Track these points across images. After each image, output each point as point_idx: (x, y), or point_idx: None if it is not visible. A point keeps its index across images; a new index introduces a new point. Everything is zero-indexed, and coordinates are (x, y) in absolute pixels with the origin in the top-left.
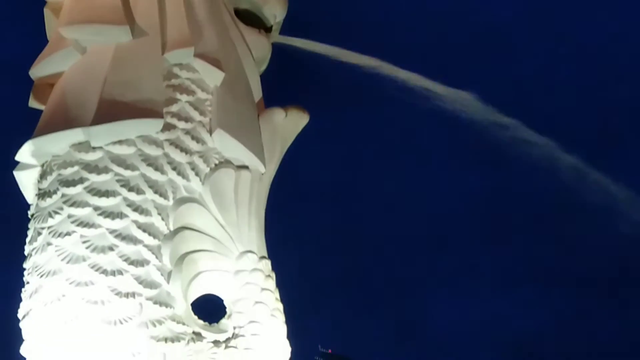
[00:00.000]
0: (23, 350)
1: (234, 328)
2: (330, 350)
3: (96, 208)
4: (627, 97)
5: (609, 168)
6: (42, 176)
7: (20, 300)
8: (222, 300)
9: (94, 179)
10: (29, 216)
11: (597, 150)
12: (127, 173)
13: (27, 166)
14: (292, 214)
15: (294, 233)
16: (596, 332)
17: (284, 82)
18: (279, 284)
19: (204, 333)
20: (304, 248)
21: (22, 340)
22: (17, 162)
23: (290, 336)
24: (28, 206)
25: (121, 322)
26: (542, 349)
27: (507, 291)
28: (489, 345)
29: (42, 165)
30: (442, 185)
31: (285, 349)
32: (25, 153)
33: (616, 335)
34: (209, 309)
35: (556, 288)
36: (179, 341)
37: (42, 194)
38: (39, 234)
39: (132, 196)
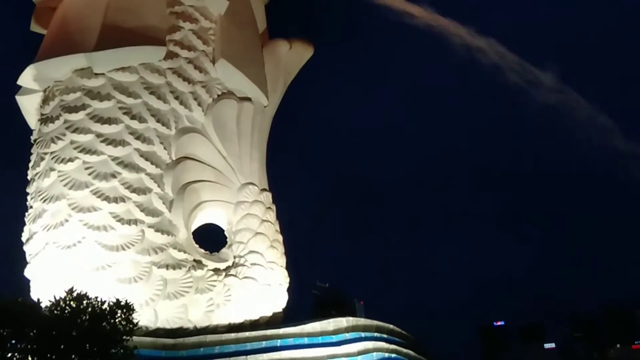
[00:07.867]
0: (27, 272)
1: (235, 257)
2: (327, 285)
3: (98, 135)
4: None
5: None
6: (45, 101)
7: (23, 224)
8: (223, 230)
9: (97, 105)
10: (32, 141)
11: None
12: (130, 101)
13: (29, 91)
14: (295, 150)
15: (295, 170)
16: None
17: (289, 14)
18: (280, 220)
19: (204, 261)
20: (307, 184)
21: (26, 263)
22: (19, 87)
23: (290, 269)
24: (31, 131)
25: (123, 248)
26: (530, 285)
27: (499, 231)
28: (478, 282)
29: (45, 91)
30: (448, 124)
31: (284, 279)
32: (27, 77)
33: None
34: (210, 238)
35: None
36: (180, 268)
37: (45, 120)
38: (42, 159)
39: (135, 124)
